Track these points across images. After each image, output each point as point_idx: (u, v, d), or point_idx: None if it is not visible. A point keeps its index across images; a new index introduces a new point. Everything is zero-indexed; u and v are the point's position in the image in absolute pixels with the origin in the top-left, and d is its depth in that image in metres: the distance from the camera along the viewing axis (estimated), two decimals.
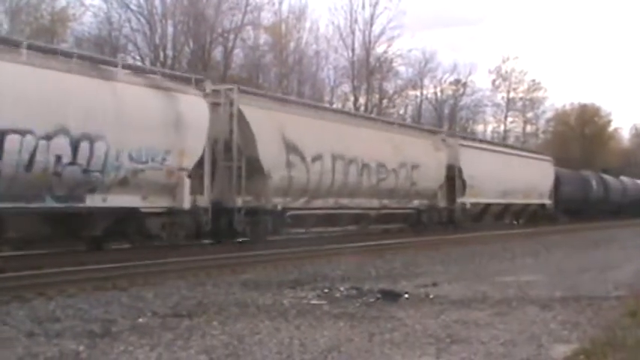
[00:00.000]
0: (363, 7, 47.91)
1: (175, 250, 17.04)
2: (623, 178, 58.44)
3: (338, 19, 49.00)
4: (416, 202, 28.55)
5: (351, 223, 25.53)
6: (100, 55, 23.03)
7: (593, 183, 49.23)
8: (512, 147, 46.59)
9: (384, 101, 49.90)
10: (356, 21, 47.61)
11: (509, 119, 65.51)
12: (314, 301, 10.42)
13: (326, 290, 11.41)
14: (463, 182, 30.98)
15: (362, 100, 47.67)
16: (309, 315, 9.17)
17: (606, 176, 53.30)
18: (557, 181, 42.93)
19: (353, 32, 47.46)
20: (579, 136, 72.95)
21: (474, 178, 31.68)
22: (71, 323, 8.42)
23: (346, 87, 48.03)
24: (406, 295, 10.91)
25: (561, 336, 7.99)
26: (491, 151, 36.51)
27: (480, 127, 62.30)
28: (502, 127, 64.70)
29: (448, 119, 56.70)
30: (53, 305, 9.68)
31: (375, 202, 25.75)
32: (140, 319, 8.73)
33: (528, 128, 68.01)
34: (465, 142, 34.10)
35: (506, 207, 37.41)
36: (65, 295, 10.69)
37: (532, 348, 7.32)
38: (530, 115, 67.12)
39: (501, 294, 11.18)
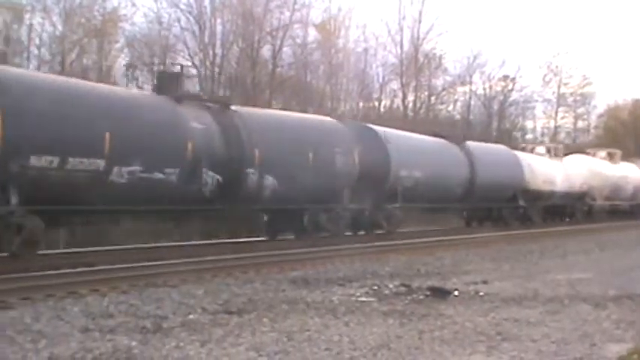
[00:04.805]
0: (412, 3, 47.62)
1: (221, 248, 17.18)
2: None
3: (386, 15, 48.84)
4: None
5: None
6: None
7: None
8: None
9: (433, 98, 49.58)
10: (404, 17, 47.34)
11: (560, 115, 64.55)
12: (363, 298, 10.42)
13: (375, 287, 11.39)
14: None
15: (410, 97, 47.47)
16: (359, 312, 9.18)
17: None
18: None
19: (401, 29, 47.22)
20: (632, 132, 71.57)
21: None
22: (124, 319, 8.55)
23: (395, 84, 47.82)
24: (456, 293, 10.85)
25: (615, 335, 7.87)
26: None
27: (529, 123, 61.52)
28: (552, 123, 63.79)
29: (497, 115, 56.09)
30: (107, 301, 9.84)
31: None
32: (191, 316, 8.83)
33: (579, 124, 66.94)
34: None
35: None
36: (118, 291, 10.88)
37: (585, 347, 7.23)
38: (581, 110, 66.04)
39: (553, 292, 11.04)
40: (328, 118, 23.19)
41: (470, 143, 28.88)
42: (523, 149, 34.92)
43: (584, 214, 36.28)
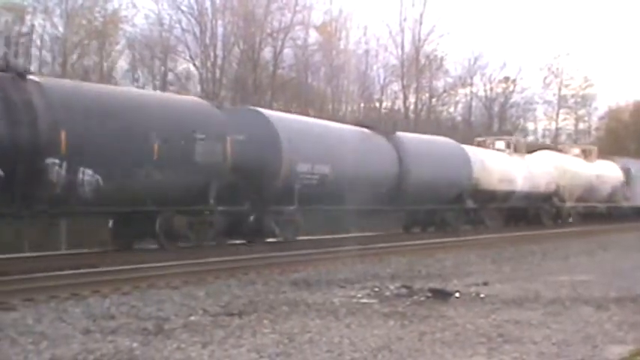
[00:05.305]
0: (413, 5, 47.66)
1: (225, 250, 17.18)
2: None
3: (387, 17, 48.96)
4: None
5: None
6: None
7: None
8: None
9: (434, 99, 49.60)
10: (405, 19, 47.37)
11: (561, 117, 64.58)
12: (364, 300, 10.42)
13: (376, 289, 11.39)
14: None
15: (412, 99, 47.49)
16: (360, 314, 9.17)
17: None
18: None
19: (402, 30, 47.26)
20: (633, 133, 71.55)
21: None
22: (125, 321, 8.56)
23: (396, 86, 47.85)
24: (457, 294, 10.84)
25: (617, 337, 7.86)
26: None
27: (530, 125, 61.57)
28: (554, 125, 63.81)
29: (498, 117, 56.12)
30: (108, 303, 9.85)
31: None
32: (192, 317, 8.84)
33: (580, 126, 66.98)
34: None
35: None
36: (120, 292, 10.89)
37: (587, 349, 7.22)
38: (582, 112, 66.09)
39: (554, 293, 11.03)
40: (190, 98, 18.78)
41: (401, 134, 25.18)
42: (479, 144, 31.07)
43: (552, 217, 32.63)
